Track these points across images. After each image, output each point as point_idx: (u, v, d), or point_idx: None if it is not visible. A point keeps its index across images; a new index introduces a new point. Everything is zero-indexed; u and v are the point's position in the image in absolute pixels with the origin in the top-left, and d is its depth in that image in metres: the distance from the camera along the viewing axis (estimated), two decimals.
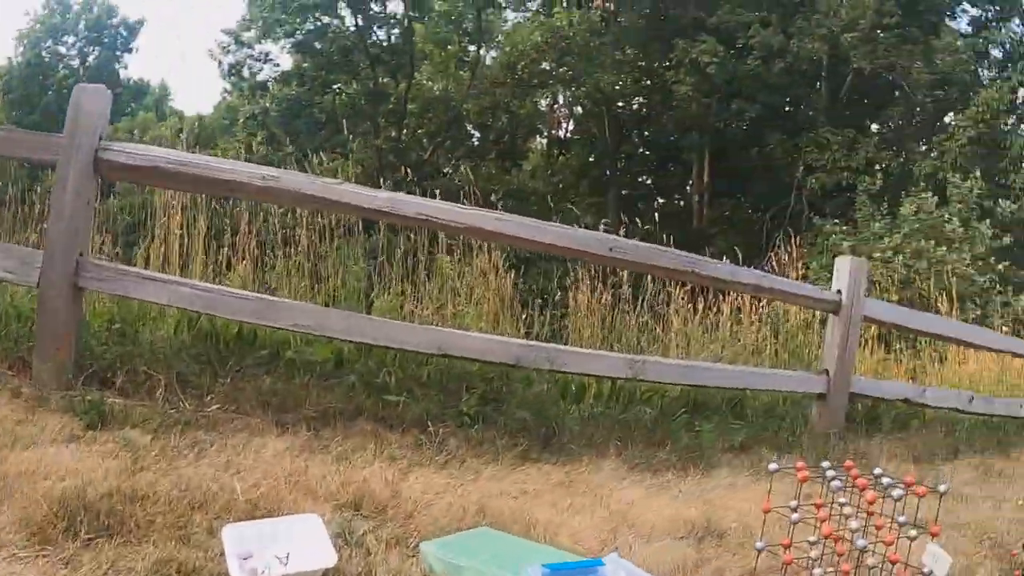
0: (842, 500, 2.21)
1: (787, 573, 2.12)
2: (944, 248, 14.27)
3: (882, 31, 21.75)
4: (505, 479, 2.88)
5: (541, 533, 2.32)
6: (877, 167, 21.40)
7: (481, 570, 1.84)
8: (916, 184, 18.88)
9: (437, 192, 4.71)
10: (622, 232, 6.21)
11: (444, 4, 27.46)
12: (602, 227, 5.60)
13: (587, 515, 2.57)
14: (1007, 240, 16.32)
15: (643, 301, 5.80)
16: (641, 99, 27.67)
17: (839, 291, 5.04)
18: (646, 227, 6.85)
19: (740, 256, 6.53)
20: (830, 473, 2.21)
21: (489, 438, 3.31)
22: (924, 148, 23.88)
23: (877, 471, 2.38)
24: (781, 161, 24.50)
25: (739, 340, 6.02)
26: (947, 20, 25.12)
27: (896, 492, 2.16)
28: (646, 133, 28.60)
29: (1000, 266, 15.07)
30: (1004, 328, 12.21)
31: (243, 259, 4.71)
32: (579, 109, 27.93)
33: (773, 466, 2.38)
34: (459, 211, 3.71)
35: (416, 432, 3.24)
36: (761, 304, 6.28)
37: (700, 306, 6.10)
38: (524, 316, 5.37)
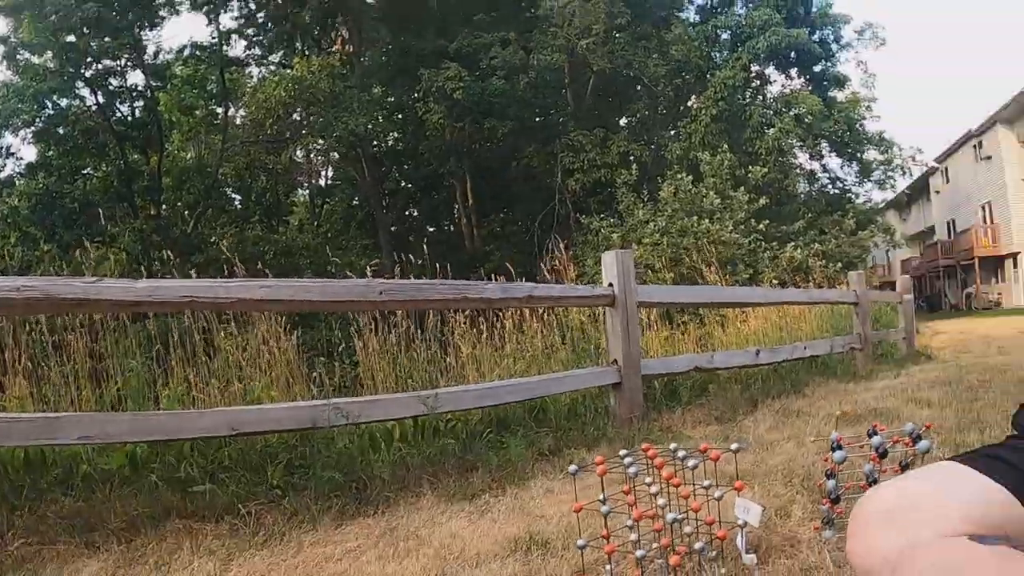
0: (647, 480, 2.31)
1: (613, 561, 2.16)
2: (707, 220, 15.19)
3: (616, 32, 22.96)
4: (328, 543, 2.79)
5: None
6: (631, 159, 22.50)
7: None
8: (670, 168, 20.09)
9: (197, 266, 4.55)
10: (398, 270, 6.25)
11: (185, 68, 26.85)
12: (369, 271, 5.59)
13: (413, 558, 2.53)
14: (763, 201, 17.64)
15: (427, 334, 5.80)
16: (395, 134, 27.98)
17: (610, 284, 5.23)
18: (420, 261, 6.82)
19: (513, 271, 6.71)
20: (627, 460, 2.29)
21: (303, 505, 3.20)
22: (672, 133, 25.37)
23: (673, 446, 2.50)
24: (540, 170, 25.45)
25: (528, 350, 6.12)
26: (676, 13, 26.86)
27: (691, 462, 2.27)
28: (405, 167, 28.93)
29: (761, 225, 16.21)
30: (775, 281, 13.15)
31: (15, 377, 4.36)
32: (335, 155, 27.85)
33: (573, 467, 2.49)
34: (224, 286, 3.58)
35: (230, 518, 3.09)
36: (541, 309, 6.41)
37: (484, 326, 6.19)
38: (314, 375, 5.26)
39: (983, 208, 35.10)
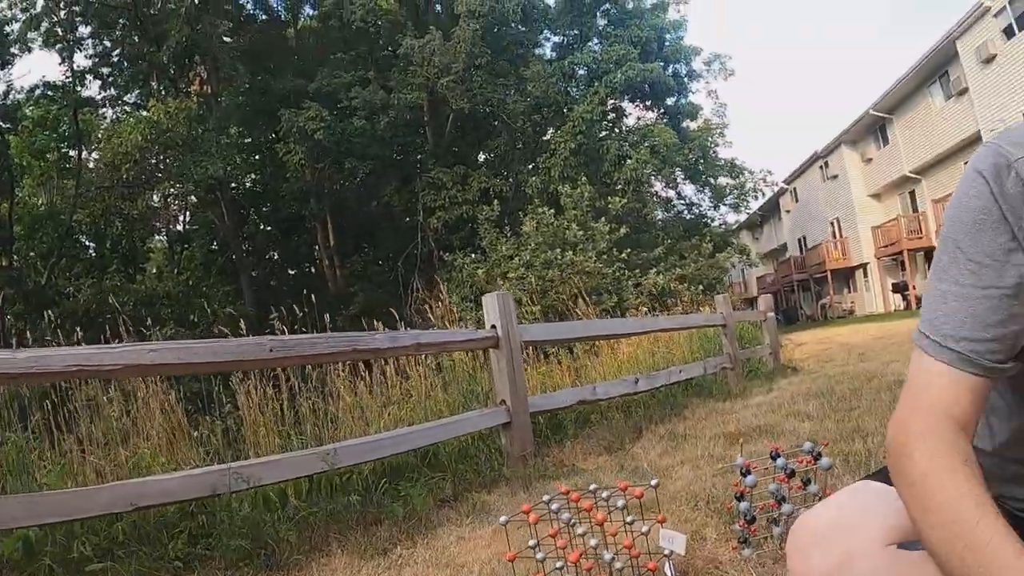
0: (570, 521, 2.38)
1: None
2: (570, 252, 15.44)
3: (475, 70, 23.22)
4: None
5: None
6: (492, 194, 22.73)
7: None
8: (531, 202, 20.36)
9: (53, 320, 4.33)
10: (281, 321, 6.15)
11: (37, 109, 25.69)
12: (243, 324, 5.46)
13: None
14: (624, 230, 18.08)
15: (310, 384, 5.70)
16: (254, 176, 27.52)
17: (493, 326, 5.31)
18: (301, 314, 6.70)
19: (384, 310, 6.67)
20: (555, 506, 2.36)
21: None
22: (532, 167, 25.77)
23: (593, 487, 2.58)
24: (401, 208, 25.48)
25: (412, 395, 6.12)
26: (533, 50, 27.37)
27: (620, 502, 2.36)
28: (265, 209, 28.44)
29: (623, 254, 16.62)
30: (643, 308, 13.49)
31: None
32: (193, 199, 27.14)
33: (503, 519, 2.50)
34: (112, 352, 3.45)
35: None
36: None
37: (364, 372, 6.16)
38: (198, 435, 5.11)
39: (832, 224, 37.10)
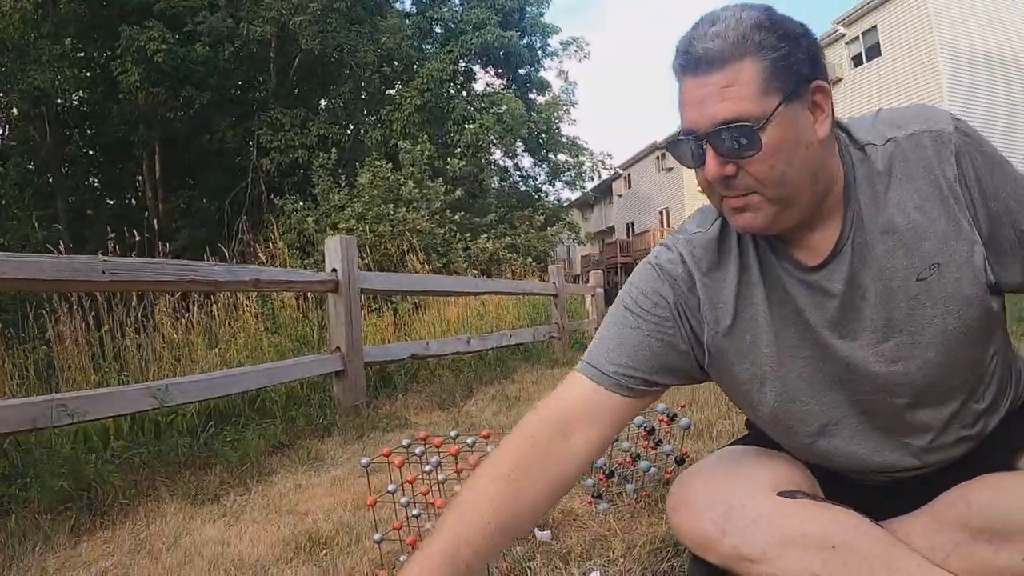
0: (427, 469, 2.37)
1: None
2: (404, 209, 15.33)
3: (332, 13, 22.47)
4: (77, 565, 2.44)
5: None
6: (330, 142, 22.19)
7: None
8: (369, 154, 20.00)
9: None
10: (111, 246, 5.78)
11: None
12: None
13: (188, 573, 2.32)
14: (459, 193, 18.09)
15: (133, 319, 5.37)
16: (82, 94, 25.68)
17: (334, 269, 5.21)
18: (116, 245, 6.29)
19: (208, 249, 6.44)
20: (419, 450, 2.31)
21: (31, 524, 2.81)
22: (374, 119, 25.29)
23: (454, 433, 2.55)
24: (233, 146, 24.47)
25: (241, 337, 5.90)
26: (393, 2, 26.73)
27: (490, 447, 2.38)
28: (89, 131, 26.64)
29: (456, 216, 16.62)
30: (472, 272, 13.55)
31: None
32: (15, 111, 25.09)
33: (365, 460, 2.49)
34: None
35: None
36: (253, 296, 6.23)
37: (193, 310, 5.90)
38: (8, 367, 4.73)
39: (661, 213, 38.47)
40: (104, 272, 3.64)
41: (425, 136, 20.52)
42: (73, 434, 3.55)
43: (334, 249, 5.28)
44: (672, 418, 2.70)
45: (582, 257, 46.72)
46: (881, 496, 1.50)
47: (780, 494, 1.44)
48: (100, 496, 3.13)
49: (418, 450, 2.41)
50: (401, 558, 2.14)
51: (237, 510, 3.02)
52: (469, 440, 2.46)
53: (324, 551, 2.39)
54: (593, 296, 11.56)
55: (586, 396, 1.43)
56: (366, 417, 4.76)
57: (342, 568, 2.18)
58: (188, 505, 3.11)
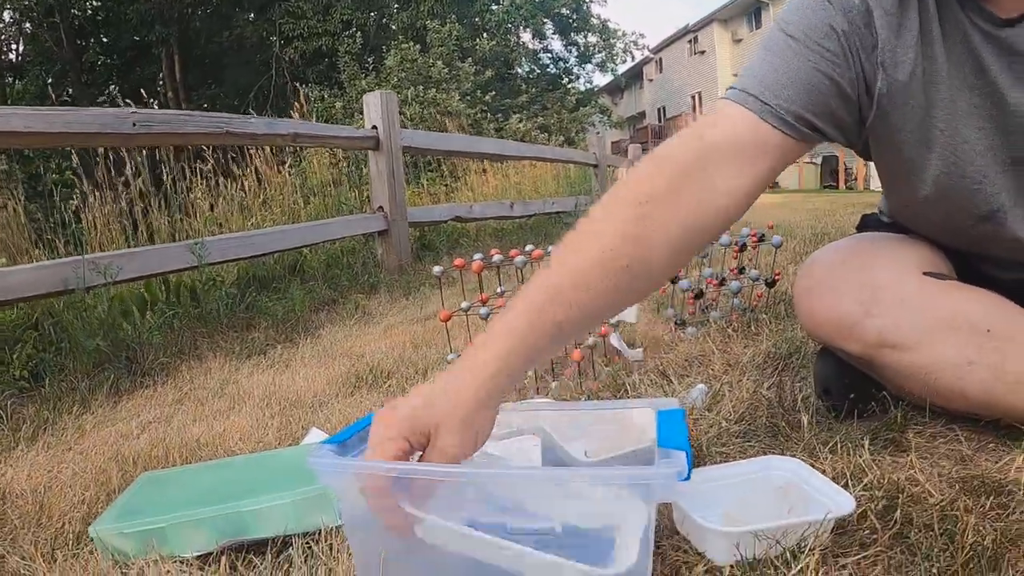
0: (500, 289, 2.19)
1: None
2: (433, 90, 14.94)
3: None
4: (117, 421, 2.21)
5: (208, 449, 1.79)
6: (354, 26, 21.60)
7: (185, 514, 1.20)
8: (396, 38, 19.47)
9: None
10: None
11: None
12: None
13: (239, 414, 2.10)
14: (489, 73, 17.58)
15: (164, 190, 5.15)
16: (95, 2, 25.08)
17: (374, 127, 4.97)
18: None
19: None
20: (498, 258, 2.13)
21: (68, 387, 2.59)
22: (400, 2, 24.62)
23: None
24: (254, 39, 23.83)
25: (274, 207, 5.68)
26: None
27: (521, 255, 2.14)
28: (106, 39, 26.08)
29: (487, 97, 16.21)
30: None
31: None
32: (28, 26, 24.54)
33: (438, 269, 2.25)
34: None
35: None
36: (287, 165, 5.96)
37: (225, 184, 5.68)
38: (37, 231, 4.54)
39: (693, 98, 37.63)
40: (135, 124, 3.41)
41: (453, 16, 19.94)
42: (108, 300, 3.26)
43: (374, 105, 5.01)
44: (761, 238, 2.45)
45: (612, 143, 46.21)
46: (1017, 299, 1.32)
47: (926, 274, 1.27)
48: (139, 357, 2.93)
49: (496, 258, 2.18)
50: None
51: (286, 359, 2.83)
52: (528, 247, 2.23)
53: (388, 382, 2.19)
54: (631, 169, 11.26)
55: (743, 129, 1.13)
56: (412, 275, 4.57)
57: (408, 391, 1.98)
58: (234, 360, 2.91)
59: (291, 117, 7.79)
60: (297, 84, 20.52)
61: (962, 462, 1.19)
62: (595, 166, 9.12)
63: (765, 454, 1.23)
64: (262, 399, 2.22)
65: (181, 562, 1.15)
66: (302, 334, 3.31)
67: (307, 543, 1.14)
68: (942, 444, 1.29)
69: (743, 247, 2.36)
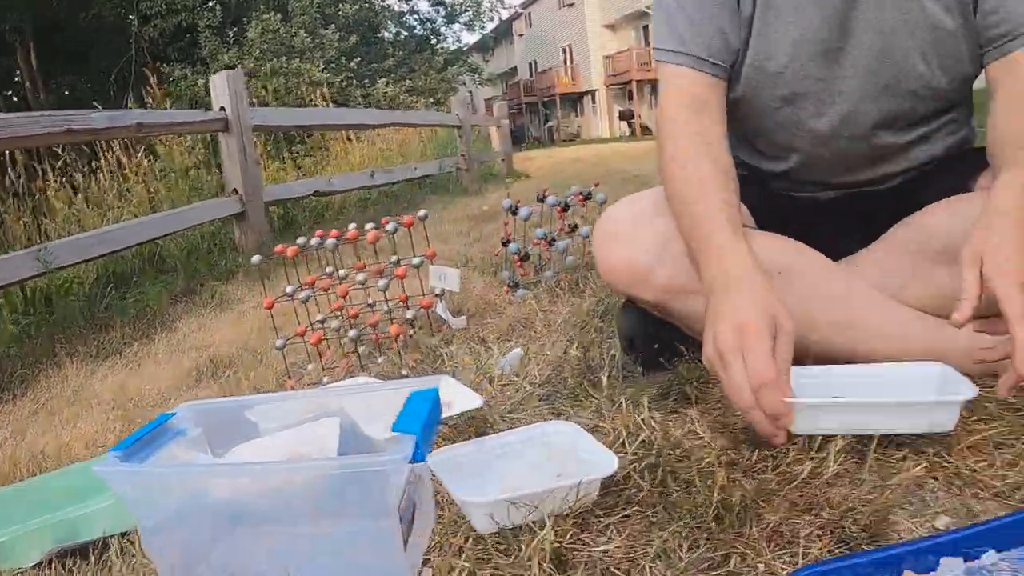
0: (329, 270, 2.24)
1: (319, 353, 2.05)
2: (297, 60, 14.69)
3: None
4: None
5: (52, 460, 1.80)
6: (212, 1, 20.96)
7: (22, 527, 1.25)
8: (257, 8, 18.98)
9: None
10: None
11: None
12: None
13: (88, 420, 2.09)
14: (354, 39, 17.34)
15: (13, 188, 5.00)
16: None
17: (222, 108, 4.90)
18: None
19: None
20: (315, 242, 2.18)
21: None
22: None
23: (352, 225, 2.40)
24: (112, 19, 22.83)
25: (131, 199, 5.56)
26: None
27: (390, 227, 2.24)
28: None
29: (352, 64, 16.00)
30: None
31: None
32: None
33: (256, 258, 2.32)
34: None
35: None
36: (140, 157, 5.85)
37: (80, 179, 5.52)
38: None
39: (564, 50, 37.76)
40: None
41: None
42: None
43: (220, 86, 4.92)
44: (587, 196, 2.55)
45: (485, 100, 46.15)
46: (828, 228, 1.47)
47: None
48: None
49: (314, 241, 2.23)
50: (309, 367, 1.99)
51: (140, 358, 2.82)
52: (368, 225, 2.28)
53: (227, 372, 2.23)
54: (499, 128, 11.30)
55: (700, 87, 1.38)
56: (272, 256, 4.56)
57: (246, 383, 2.04)
58: (91, 363, 2.87)
59: (148, 100, 7.59)
60: (158, 64, 19.92)
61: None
62: (459, 127, 9.14)
63: (560, 416, 1.32)
64: (110, 403, 2.24)
65: (21, 573, 1.20)
66: (159, 329, 3.29)
67: (125, 543, 1.20)
68: None
69: (566, 207, 2.46)
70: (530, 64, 42.40)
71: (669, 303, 1.36)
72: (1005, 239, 1.04)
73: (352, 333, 1.98)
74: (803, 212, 1.52)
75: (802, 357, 1.30)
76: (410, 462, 0.85)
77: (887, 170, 1.47)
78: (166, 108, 7.68)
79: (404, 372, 1.80)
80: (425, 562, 0.96)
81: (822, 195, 1.52)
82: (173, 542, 0.96)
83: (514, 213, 2.48)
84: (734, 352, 1.05)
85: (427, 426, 0.91)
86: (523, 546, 0.93)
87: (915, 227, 1.37)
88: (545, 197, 2.54)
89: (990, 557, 0.82)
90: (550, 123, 38.96)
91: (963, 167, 1.39)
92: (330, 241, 2.16)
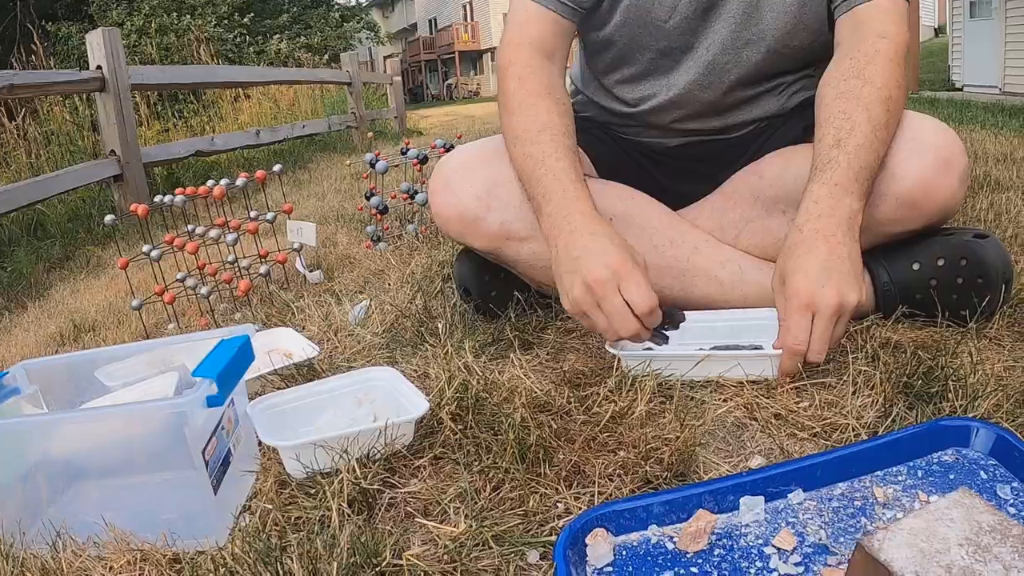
0: (189, 228, 2.28)
1: (176, 311, 2.08)
2: (188, 16, 14.28)
3: None
4: None
5: None
6: None
7: None
8: None
9: None
10: None
11: None
12: None
13: None
14: None
15: None
16: None
17: (99, 67, 4.77)
18: None
19: None
20: (166, 198, 2.18)
21: None
22: None
23: (210, 182, 2.40)
24: None
25: (9, 164, 5.41)
26: None
27: (239, 182, 2.30)
28: None
29: (246, 20, 15.63)
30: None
31: None
32: None
33: (109, 218, 2.36)
34: None
35: None
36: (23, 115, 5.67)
37: None
38: None
39: (464, 7, 37.42)
40: None
41: None
42: None
43: (96, 44, 4.77)
44: (449, 148, 2.62)
45: (385, 58, 45.55)
46: (672, 174, 1.55)
47: None
48: None
49: (177, 199, 2.25)
50: (170, 326, 2.02)
51: (11, 326, 2.78)
52: (223, 180, 2.31)
53: (88, 335, 2.24)
54: (391, 84, 11.21)
55: (549, 29, 1.43)
56: (150, 220, 4.50)
57: (105, 346, 2.04)
58: None
59: (32, 60, 7.34)
60: (44, 23, 19.07)
61: (594, 356, 1.33)
62: (349, 84, 9.05)
63: (396, 364, 1.36)
64: None
65: None
66: (33, 296, 3.24)
67: None
68: (574, 340, 1.43)
69: (424, 159, 2.52)
70: (430, 21, 41.98)
71: (502, 250, 1.40)
72: (811, 252, 1.11)
73: (204, 290, 2.01)
74: (649, 157, 1.58)
75: None
76: (209, 406, 0.88)
77: (738, 119, 1.52)
78: (51, 68, 7.42)
79: (256, 327, 1.85)
80: (246, 508, 0.99)
81: (670, 141, 1.57)
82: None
83: (372, 167, 2.53)
84: (611, 290, 1.11)
85: (230, 371, 0.94)
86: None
87: (752, 176, 1.44)
88: (407, 150, 2.60)
89: (796, 496, 0.87)
90: (449, 81, 38.68)
91: (807, 116, 1.43)
92: (178, 198, 2.17)
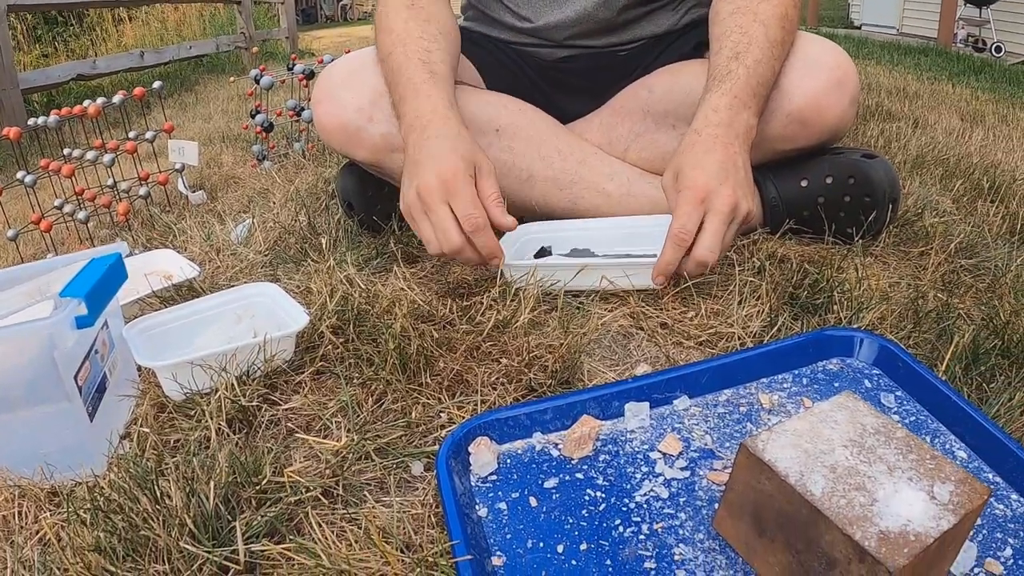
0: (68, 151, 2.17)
1: (58, 238, 2.01)
2: None
3: None
4: None
5: None
6: None
7: None
8: None
9: None
10: None
11: None
12: None
13: None
14: None
15: None
16: None
17: None
18: None
19: None
20: (39, 120, 2.09)
21: None
22: None
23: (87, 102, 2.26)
24: None
25: None
26: None
27: (116, 99, 2.19)
28: None
29: None
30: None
31: None
32: None
33: None
34: None
35: None
36: None
37: None
38: None
39: None
40: None
41: None
42: None
43: None
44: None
45: None
46: (561, 87, 1.53)
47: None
48: None
49: (41, 121, 2.14)
50: (49, 255, 1.92)
51: None
52: (99, 100, 2.20)
53: None
54: (283, 4, 10.81)
55: None
56: (27, 149, 4.29)
57: None
58: None
59: None
60: None
61: (479, 268, 1.30)
62: (238, 3, 8.70)
63: (278, 281, 1.32)
64: None
65: None
66: None
67: None
68: None
69: (311, 75, 2.45)
70: None
71: (383, 161, 1.37)
72: (709, 152, 1.10)
73: (81, 215, 1.91)
74: (537, 70, 1.56)
75: (523, 213, 1.36)
76: (78, 327, 0.84)
77: (631, 36, 1.51)
78: None
79: (136, 251, 1.77)
80: (126, 435, 0.95)
81: (560, 52, 1.55)
82: None
83: (257, 83, 2.44)
84: (438, 200, 1.08)
85: (100, 290, 0.89)
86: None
87: (641, 90, 1.43)
88: (294, 65, 2.52)
89: (682, 402, 0.87)
90: (344, 1, 37.77)
91: (698, 33, 1.44)
92: (52, 119, 2.05)
